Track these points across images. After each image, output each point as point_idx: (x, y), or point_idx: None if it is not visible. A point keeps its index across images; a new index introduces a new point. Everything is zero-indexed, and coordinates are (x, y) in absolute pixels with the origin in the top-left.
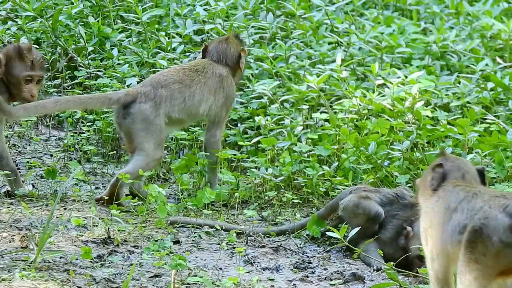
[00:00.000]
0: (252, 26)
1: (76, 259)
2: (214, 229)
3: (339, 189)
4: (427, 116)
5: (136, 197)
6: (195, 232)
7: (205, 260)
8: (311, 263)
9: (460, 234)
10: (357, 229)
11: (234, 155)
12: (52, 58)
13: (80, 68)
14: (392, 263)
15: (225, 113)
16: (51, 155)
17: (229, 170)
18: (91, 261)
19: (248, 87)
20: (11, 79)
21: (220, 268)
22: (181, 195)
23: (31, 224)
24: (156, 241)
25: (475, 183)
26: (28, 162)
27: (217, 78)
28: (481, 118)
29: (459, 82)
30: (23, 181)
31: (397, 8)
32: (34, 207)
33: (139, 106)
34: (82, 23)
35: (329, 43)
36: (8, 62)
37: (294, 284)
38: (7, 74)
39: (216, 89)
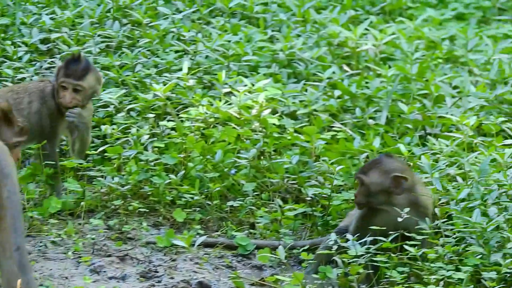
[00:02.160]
0: (99, 35)
1: None
2: (61, 239)
3: (185, 198)
4: (274, 124)
5: None
6: (41, 242)
7: (51, 269)
8: (158, 271)
9: None
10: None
11: (80, 164)
12: None
13: None
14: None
15: (49, 127)
16: None
17: (76, 179)
18: None
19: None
20: None
21: (66, 278)
22: (27, 204)
23: None
24: None
25: None
26: None
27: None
28: (328, 126)
29: (306, 90)
30: None
31: (244, 16)
32: None
33: None
34: None
35: (176, 52)
36: None
37: None
38: None
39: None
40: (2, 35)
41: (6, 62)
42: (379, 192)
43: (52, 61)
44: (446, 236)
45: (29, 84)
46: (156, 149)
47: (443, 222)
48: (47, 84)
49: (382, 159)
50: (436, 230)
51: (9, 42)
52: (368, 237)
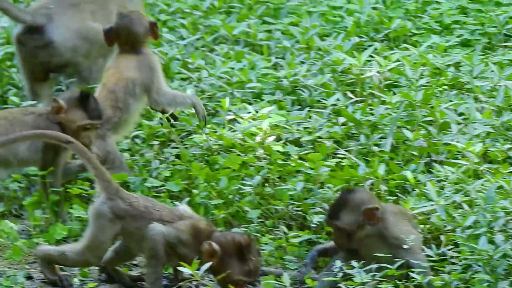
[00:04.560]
0: None
1: None
2: None
3: None
4: (278, 151)
5: None
6: None
7: None
8: None
9: None
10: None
11: (86, 190)
12: None
13: None
14: None
15: (53, 156)
16: None
17: (81, 205)
18: None
19: None
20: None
21: None
22: (33, 231)
23: None
24: (9, 277)
25: None
26: None
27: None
28: (333, 153)
29: (310, 117)
30: None
31: (248, 44)
32: None
33: None
34: None
35: (181, 79)
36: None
37: None
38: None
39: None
40: (8, 63)
41: (12, 89)
42: (357, 229)
43: (58, 89)
44: (452, 263)
45: (24, 116)
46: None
47: (449, 249)
48: (47, 120)
49: (346, 196)
50: (443, 257)
51: (15, 70)
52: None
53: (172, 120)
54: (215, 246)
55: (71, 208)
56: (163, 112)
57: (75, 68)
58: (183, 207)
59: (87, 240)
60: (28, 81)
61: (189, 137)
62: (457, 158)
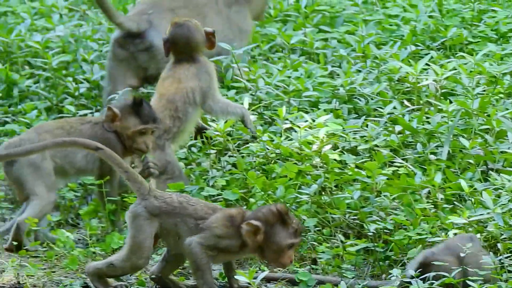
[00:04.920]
0: None
1: None
2: None
3: None
4: (335, 159)
5: (45, 242)
6: None
7: None
8: None
9: None
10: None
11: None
12: None
13: None
14: None
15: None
16: None
17: None
18: None
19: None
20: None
21: None
22: (90, 240)
23: None
24: (65, 286)
25: None
26: None
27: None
28: (389, 161)
29: (367, 125)
30: None
31: (304, 52)
32: None
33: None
34: None
35: (237, 88)
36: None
37: None
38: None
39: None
40: (64, 72)
41: (67, 98)
42: None
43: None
44: (509, 271)
45: (81, 126)
46: (218, 184)
47: (507, 257)
48: (102, 129)
49: None
50: (500, 265)
51: (70, 79)
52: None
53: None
54: (255, 222)
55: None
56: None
57: None
58: None
59: (129, 244)
60: (112, 86)
61: (245, 146)
62: None
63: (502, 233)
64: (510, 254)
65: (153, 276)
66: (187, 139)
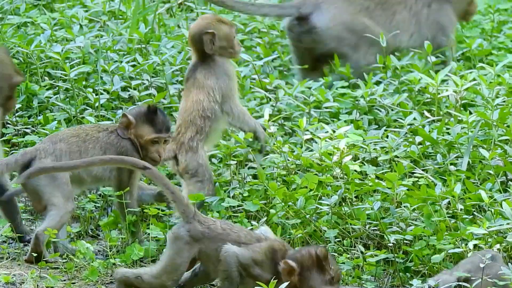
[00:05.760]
0: (179, 81)
1: None
2: None
3: None
4: (355, 170)
5: (65, 254)
6: None
7: None
8: None
9: None
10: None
11: (163, 210)
12: None
13: (8, 125)
14: None
15: (128, 175)
16: None
17: (158, 225)
18: None
19: None
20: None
21: None
22: (110, 251)
23: None
24: None
25: None
26: None
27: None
28: (410, 172)
29: (387, 136)
30: None
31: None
32: None
33: (39, 163)
34: None
35: (257, 98)
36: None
37: None
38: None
39: (107, 148)
40: (84, 82)
41: (88, 109)
42: None
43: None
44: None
45: (97, 134)
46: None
47: None
48: (118, 137)
49: None
50: None
51: (90, 90)
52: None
53: None
54: (292, 263)
55: (148, 228)
56: None
57: (342, 59)
58: (264, 228)
59: (164, 263)
60: (300, 70)
61: (266, 157)
62: None
63: None
64: None
65: (179, 285)
66: (219, 138)
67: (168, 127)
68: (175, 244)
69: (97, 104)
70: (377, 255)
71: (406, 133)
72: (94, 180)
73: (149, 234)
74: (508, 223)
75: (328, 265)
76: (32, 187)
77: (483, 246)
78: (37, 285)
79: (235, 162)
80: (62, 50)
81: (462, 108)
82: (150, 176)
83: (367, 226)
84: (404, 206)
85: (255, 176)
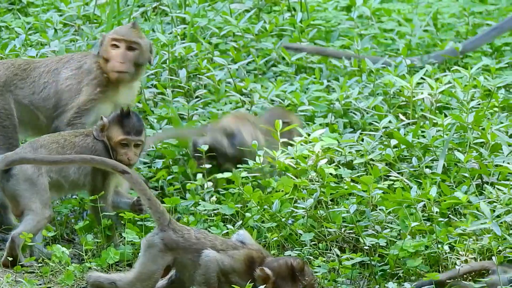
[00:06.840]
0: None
1: None
2: None
3: None
4: (331, 173)
5: (40, 258)
6: None
7: None
8: None
9: None
10: None
11: (138, 214)
12: None
13: None
14: None
15: (102, 180)
16: None
17: (134, 229)
18: None
19: (153, 146)
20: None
21: None
22: (85, 255)
23: None
24: None
25: None
26: None
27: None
28: (385, 175)
29: (362, 140)
30: None
31: (300, 66)
32: None
33: (20, 167)
34: None
35: (232, 102)
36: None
37: None
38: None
39: (82, 152)
40: None
41: None
42: None
43: None
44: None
45: (74, 138)
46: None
47: None
48: (94, 139)
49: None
50: None
51: None
52: None
53: None
54: (268, 271)
55: (123, 232)
56: None
57: None
58: (242, 232)
59: (138, 270)
60: None
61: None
62: (508, 180)
63: (498, 245)
64: None
65: None
66: None
67: (139, 131)
68: (148, 252)
69: None
70: (352, 258)
71: (381, 136)
72: (72, 186)
73: (124, 238)
74: (486, 222)
75: (302, 277)
76: (11, 191)
77: (459, 248)
78: None
79: (210, 165)
80: (36, 55)
81: (437, 111)
82: (128, 180)
83: (343, 229)
84: (380, 209)
85: (229, 181)
